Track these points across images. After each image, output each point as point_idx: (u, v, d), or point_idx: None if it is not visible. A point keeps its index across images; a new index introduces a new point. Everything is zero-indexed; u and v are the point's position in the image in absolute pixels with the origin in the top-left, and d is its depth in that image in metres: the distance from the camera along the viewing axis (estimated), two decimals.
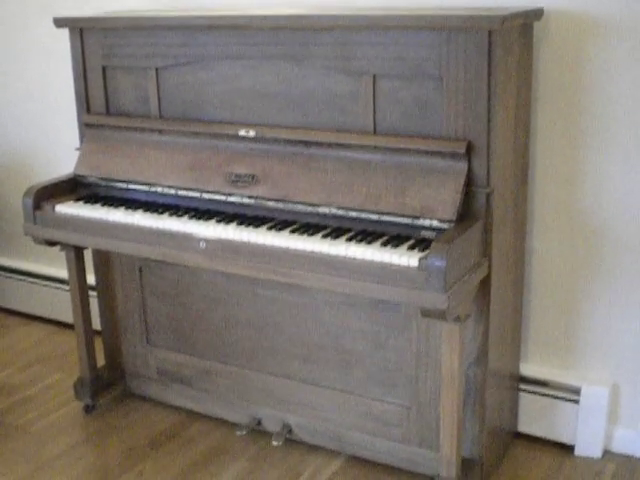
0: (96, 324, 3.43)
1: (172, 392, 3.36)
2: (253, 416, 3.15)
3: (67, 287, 3.30)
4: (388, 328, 2.79)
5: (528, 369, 3.08)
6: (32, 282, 4.22)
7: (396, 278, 2.36)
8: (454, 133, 2.49)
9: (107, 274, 3.38)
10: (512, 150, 2.64)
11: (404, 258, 2.36)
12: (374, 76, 2.58)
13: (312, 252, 2.50)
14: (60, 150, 3.89)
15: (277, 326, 3.02)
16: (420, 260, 2.34)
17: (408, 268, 2.35)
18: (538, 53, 2.77)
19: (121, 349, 3.45)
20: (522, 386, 3.09)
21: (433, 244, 2.31)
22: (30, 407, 3.45)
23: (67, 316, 3.95)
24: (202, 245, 2.67)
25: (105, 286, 3.40)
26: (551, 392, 3.05)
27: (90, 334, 3.31)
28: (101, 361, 3.48)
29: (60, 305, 4.08)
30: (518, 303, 2.95)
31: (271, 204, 2.74)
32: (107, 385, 3.43)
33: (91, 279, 3.35)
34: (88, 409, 3.38)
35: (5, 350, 3.97)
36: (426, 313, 2.35)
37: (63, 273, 3.72)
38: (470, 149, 2.46)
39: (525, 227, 2.91)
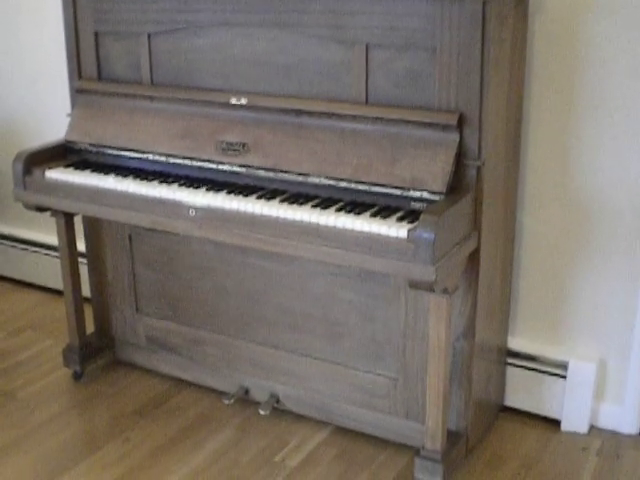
0: (86, 291, 3.43)
1: (160, 360, 3.36)
2: (241, 385, 3.15)
3: (58, 254, 3.29)
4: (377, 300, 2.79)
5: (516, 343, 3.09)
6: (23, 248, 4.22)
7: (385, 249, 2.35)
8: (446, 104, 2.47)
9: (97, 241, 3.37)
10: (505, 123, 2.62)
11: (393, 229, 2.35)
12: (367, 45, 2.56)
13: (301, 222, 2.49)
14: (52, 115, 3.87)
15: (266, 295, 3.02)
16: (409, 231, 2.33)
17: (397, 239, 2.34)
18: (533, 25, 2.74)
19: (110, 316, 3.44)
20: (509, 360, 3.10)
21: (422, 216, 2.30)
22: (19, 373, 3.45)
23: (58, 283, 3.93)
24: (191, 213, 2.66)
25: (95, 253, 3.39)
26: (538, 367, 3.06)
27: (79, 301, 3.31)
28: (90, 328, 3.48)
29: (51, 272, 4.07)
30: (507, 277, 2.95)
31: (262, 173, 2.73)
32: (96, 352, 3.42)
33: (82, 246, 3.35)
34: (76, 376, 3.38)
35: None
36: (414, 285, 2.35)
37: (54, 239, 3.70)
38: (462, 121, 2.45)
39: (516, 201, 2.90)
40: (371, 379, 2.89)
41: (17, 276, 4.31)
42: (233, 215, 2.60)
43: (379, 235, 2.37)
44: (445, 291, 2.43)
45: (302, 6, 2.62)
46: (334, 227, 2.44)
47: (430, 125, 2.48)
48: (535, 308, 3.03)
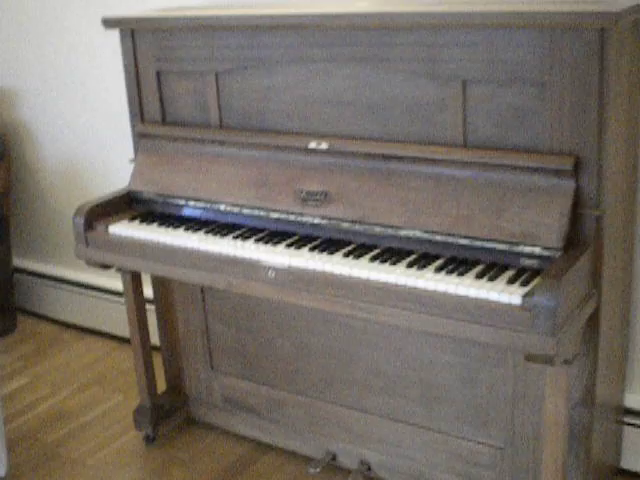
0: (156, 339, 3.19)
1: (239, 421, 3.09)
2: (328, 450, 2.87)
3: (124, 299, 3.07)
4: (479, 362, 2.49)
5: (633, 400, 2.75)
6: (88, 294, 4.00)
7: (494, 317, 2.04)
8: (559, 147, 2.16)
9: (167, 293, 3.12)
10: (623, 164, 2.30)
11: (504, 294, 2.05)
12: (464, 81, 2.25)
13: (396, 285, 2.19)
14: (115, 158, 3.64)
15: (352, 355, 2.74)
16: (524, 297, 2.02)
17: (509, 306, 2.03)
18: None
19: (183, 373, 3.19)
20: (626, 419, 2.76)
21: (541, 280, 1.99)
22: (87, 436, 3.21)
23: (126, 330, 3.71)
24: (271, 274, 2.38)
25: (165, 305, 3.15)
26: None
27: (150, 361, 3.07)
28: (162, 384, 3.23)
29: (118, 319, 3.84)
30: (625, 332, 2.62)
31: (346, 225, 2.45)
32: (169, 413, 3.17)
33: (149, 290, 3.12)
34: (149, 439, 3.13)
35: (62, 368, 3.75)
36: (531, 358, 2.04)
37: (120, 285, 3.47)
38: (578, 165, 2.13)
39: (633, 248, 2.56)
40: (473, 448, 2.59)
41: (82, 323, 4.10)
42: (317, 276, 2.31)
43: (487, 301, 2.06)
44: (565, 362, 2.12)
45: (388, 38, 2.33)
46: (434, 291, 2.14)
47: (540, 170, 2.16)
48: None
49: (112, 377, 3.65)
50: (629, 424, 2.76)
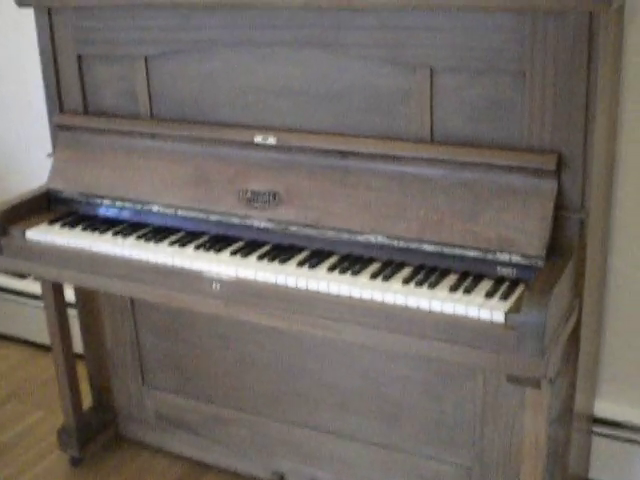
0: (80, 346, 2.91)
1: (175, 439, 2.82)
2: (275, 471, 2.63)
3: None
4: (444, 375, 2.27)
5: (602, 410, 2.58)
6: (3, 297, 3.65)
7: (473, 336, 1.81)
8: (539, 143, 1.94)
9: (91, 298, 2.82)
10: (604, 163, 2.10)
11: (484, 310, 1.82)
12: (431, 69, 2.01)
13: (359, 299, 1.95)
14: (33, 151, 3.29)
15: (301, 367, 2.50)
16: (507, 314, 1.80)
17: (490, 324, 1.81)
18: (626, 39, 2.20)
19: (111, 388, 2.91)
20: (595, 429, 2.59)
21: (526, 294, 1.77)
22: (7, 459, 2.90)
23: (45, 336, 3.39)
24: (215, 287, 2.11)
25: (89, 313, 2.85)
26: (627, 435, 2.56)
27: (74, 375, 2.77)
28: (87, 399, 2.94)
29: (37, 324, 3.51)
30: (598, 339, 2.44)
31: (298, 230, 2.19)
32: (96, 431, 2.88)
33: (72, 293, 2.85)
34: (75, 461, 2.84)
35: None
36: (514, 380, 1.82)
37: (39, 287, 3.15)
38: (561, 164, 1.91)
39: (606, 247, 2.37)
40: (438, 468, 2.38)
41: None
42: (268, 289, 2.05)
43: (465, 318, 1.84)
44: (549, 381, 1.91)
45: (345, 20, 2.07)
46: (404, 306, 1.90)
47: (519, 169, 1.94)
48: (624, 371, 2.52)
49: (32, 390, 3.33)
50: (597, 434, 2.59)
